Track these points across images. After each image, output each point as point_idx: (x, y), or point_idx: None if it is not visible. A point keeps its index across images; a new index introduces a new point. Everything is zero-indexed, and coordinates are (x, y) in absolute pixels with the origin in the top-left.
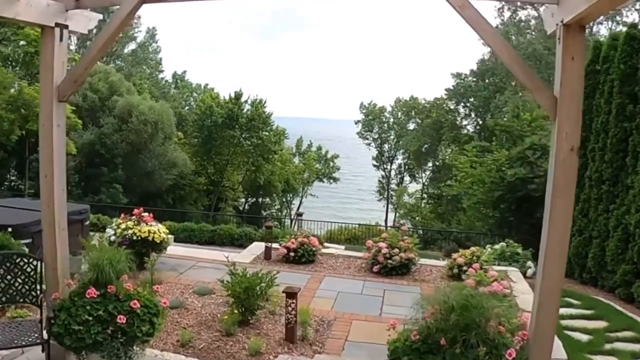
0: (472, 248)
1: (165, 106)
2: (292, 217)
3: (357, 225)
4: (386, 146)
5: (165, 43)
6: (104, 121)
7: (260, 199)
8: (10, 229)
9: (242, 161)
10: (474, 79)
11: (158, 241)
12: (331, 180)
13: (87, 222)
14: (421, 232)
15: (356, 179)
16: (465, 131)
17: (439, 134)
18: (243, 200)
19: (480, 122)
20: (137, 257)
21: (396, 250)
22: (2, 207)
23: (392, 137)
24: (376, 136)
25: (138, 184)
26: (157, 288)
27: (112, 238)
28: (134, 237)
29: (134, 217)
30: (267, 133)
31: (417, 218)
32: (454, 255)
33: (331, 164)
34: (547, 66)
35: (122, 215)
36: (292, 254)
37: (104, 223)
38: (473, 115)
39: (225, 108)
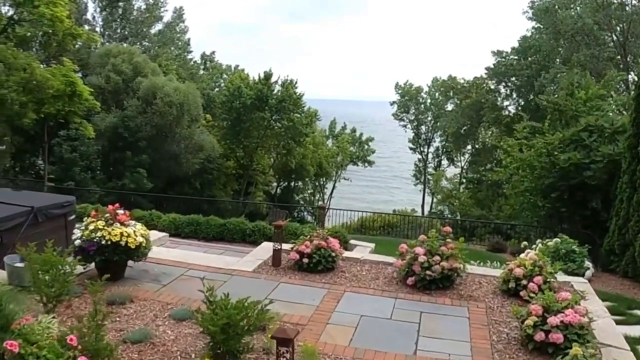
0: (531, 254)
1: (191, 87)
2: (317, 208)
3: (392, 212)
4: (423, 128)
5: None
6: (128, 103)
7: (292, 183)
8: None
9: (273, 144)
10: (516, 57)
11: (133, 246)
12: (366, 164)
13: (72, 217)
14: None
15: (392, 163)
16: (507, 112)
17: (478, 115)
18: (275, 184)
19: (522, 103)
20: (107, 266)
21: (437, 257)
22: None
23: (429, 118)
24: (412, 118)
25: (163, 168)
26: (72, 339)
27: (77, 242)
28: (103, 242)
29: (107, 215)
30: (298, 115)
31: (455, 204)
32: (510, 265)
33: (366, 146)
34: (596, 41)
35: (93, 212)
36: (305, 260)
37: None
38: (515, 96)
39: (255, 89)
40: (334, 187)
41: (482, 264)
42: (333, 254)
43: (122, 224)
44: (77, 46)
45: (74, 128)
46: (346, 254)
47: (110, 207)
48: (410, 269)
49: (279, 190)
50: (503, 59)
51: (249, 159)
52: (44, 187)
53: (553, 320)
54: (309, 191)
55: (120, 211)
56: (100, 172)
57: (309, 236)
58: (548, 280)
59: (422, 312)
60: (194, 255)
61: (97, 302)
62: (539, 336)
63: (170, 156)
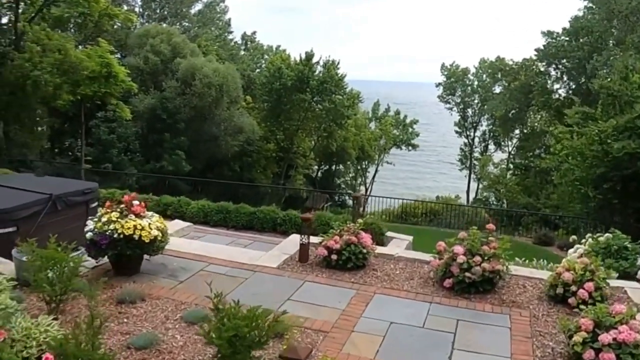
0: (583, 257)
1: (230, 68)
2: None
3: (435, 199)
4: (469, 111)
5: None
6: (166, 85)
7: (333, 167)
8: None
9: (314, 126)
10: (567, 38)
11: (147, 240)
12: (409, 147)
13: (94, 204)
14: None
15: (437, 147)
16: (557, 96)
17: (527, 99)
18: (315, 167)
19: (573, 87)
20: (120, 260)
21: (477, 258)
22: None
23: (476, 101)
24: (459, 100)
25: (202, 150)
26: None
27: (89, 235)
28: (115, 235)
29: (122, 206)
30: (340, 97)
31: (501, 190)
32: (559, 268)
33: (410, 129)
34: None
35: (108, 203)
36: (334, 256)
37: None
38: (565, 79)
39: (296, 70)
40: (376, 171)
41: (527, 261)
42: (364, 251)
43: (137, 215)
44: (115, 27)
45: (112, 110)
46: (379, 249)
47: (126, 197)
48: (447, 270)
49: (319, 174)
50: (553, 40)
51: (289, 142)
52: (81, 170)
53: (605, 337)
54: (350, 175)
55: (136, 202)
56: (138, 154)
57: (338, 230)
58: (600, 286)
59: (458, 319)
60: (216, 249)
61: (94, 307)
62: (589, 354)
63: (209, 138)
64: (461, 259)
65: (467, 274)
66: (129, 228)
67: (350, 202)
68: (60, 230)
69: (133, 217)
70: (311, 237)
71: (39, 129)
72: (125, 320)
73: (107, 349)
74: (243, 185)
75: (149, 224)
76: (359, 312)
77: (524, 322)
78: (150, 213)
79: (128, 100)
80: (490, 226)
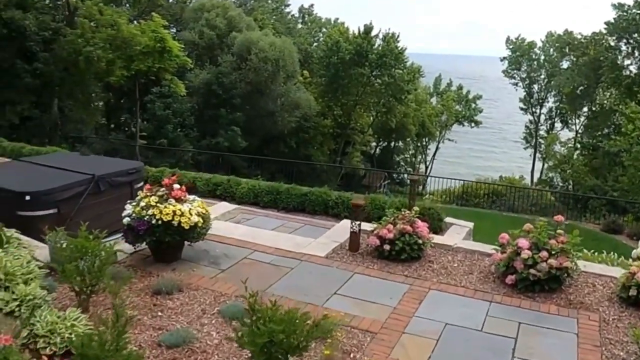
0: None
1: (287, 42)
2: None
3: (497, 179)
4: (535, 87)
5: None
6: (222, 59)
7: (392, 143)
8: (28, 197)
9: (372, 102)
10: (639, 11)
11: (186, 227)
12: (472, 124)
13: (139, 185)
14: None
15: (500, 124)
16: (628, 72)
17: (596, 75)
18: (373, 144)
19: None
20: (159, 247)
21: (544, 253)
22: (36, 164)
23: (542, 76)
24: (524, 75)
25: (258, 126)
26: None
27: (127, 220)
28: (154, 221)
29: (162, 189)
30: (400, 71)
31: (567, 171)
32: (633, 267)
33: (473, 105)
34: None
35: (148, 186)
36: (387, 246)
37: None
38: (637, 54)
39: (354, 43)
40: (437, 149)
41: (595, 252)
42: (420, 241)
43: (177, 200)
44: (170, 1)
45: (166, 85)
46: (437, 239)
47: (166, 180)
48: (510, 265)
49: (377, 151)
50: (625, 13)
51: (347, 118)
52: (135, 146)
53: None
54: (410, 152)
55: (177, 185)
56: (193, 130)
57: (392, 218)
58: None
59: (520, 323)
60: (262, 234)
61: (118, 306)
62: None
63: (265, 114)
64: (526, 253)
65: (531, 270)
66: (167, 214)
67: (409, 180)
68: (103, 212)
69: (173, 201)
70: (364, 223)
71: (95, 104)
72: (159, 313)
73: (137, 345)
74: (299, 162)
75: (189, 209)
76: (411, 310)
77: (592, 328)
78: (192, 197)
79: (183, 75)
80: (559, 217)
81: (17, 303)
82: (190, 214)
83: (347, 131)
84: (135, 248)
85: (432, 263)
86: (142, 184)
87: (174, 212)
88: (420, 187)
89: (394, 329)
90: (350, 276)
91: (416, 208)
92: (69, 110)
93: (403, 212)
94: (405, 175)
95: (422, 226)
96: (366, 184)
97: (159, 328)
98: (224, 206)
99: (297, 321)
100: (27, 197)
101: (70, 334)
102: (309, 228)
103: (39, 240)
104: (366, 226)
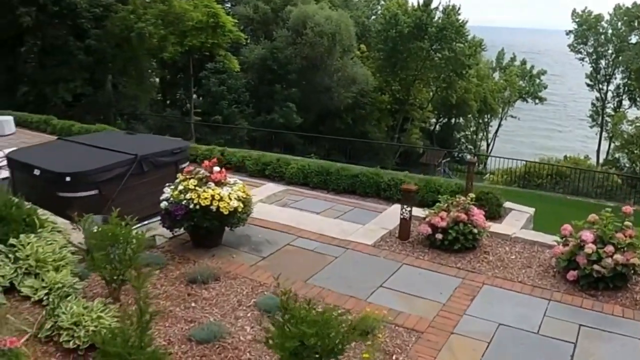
0: None
1: (344, 16)
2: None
3: (562, 159)
4: (602, 62)
5: None
6: (277, 34)
7: (452, 120)
8: (68, 179)
9: (432, 77)
10: None
11: (225, 212)
12: (536, 101)
13: (185, 165)
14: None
15: (566, 101)
16: None
17: None
18: (433, 120)
19: None
20: (198, 232)
21: (610, 248)
22: (80, 144)
23: (609, 51)
24: (591, 50)
25: (314, 102)
26: None
27: (164, 204)
28: (191, 205)
29: (201, 171)
30: (461, 44)
31: (635, 152)
32: None
33: (537, 81)
34: None
35: (187, 168)
36: (439, 235)
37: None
38: None
39: (413, 16)
40: (499, 126)
41: None
42: (475, 231)
43: (217, 183)
44: None
45: (221, 61)
46: (494, 227)
47: (206, 162)
48: (572, 260)
49: (437, 128)
50: None
51: (405, 93)
52: (190, 123)
53: None
54: (471, 129)
55: (217, 168)
56: (248, 106)
57: (446, 205)
58: None
59: (581, 325)
60: (308, 220)
61: (142, 299)
62: None
63: (321, 90)
64: (590, 248)
65: (595, 266)
66: (205, 198)
67: (468, 157)
68: (146, 193)
69: (213, 185)
70: (417, 208)
71: (149, 81)
72: (193, 304)
73: (167, 339)
74: (354, 140)
75: (229, 193)
76: (462, 307)
77: None
78: (233, 180)
79: (238, 51)
80: (628, 209)
81: (45, 291)
82: (230, 199)
83: (406, 107)
84: (174, 233)
85: (487, 254)
86: (187, 164)
87: (213, 196)
88: (481, 166)
89: (442, 329)
90: (398, 267)
91: (472, 195)
92: (123, 87)
93: (457, 199)
94: (466, 153)
95: (478, 214)
96: (424, 162)
97: (191, 320)
98: (270, 188)
99: (332, 324)
100: (67, 178)
101: (96, 326)
102: (358, 211)
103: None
104: (418, 212)
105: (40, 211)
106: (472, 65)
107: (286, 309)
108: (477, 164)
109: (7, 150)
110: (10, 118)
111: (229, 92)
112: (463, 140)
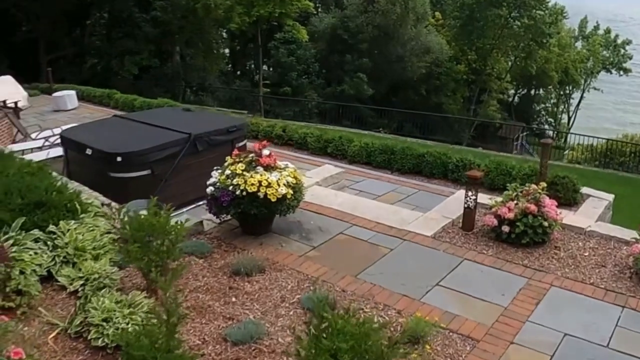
0: None
1: None
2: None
3: None
4: None
5: None
6: (348, 2)
7: (532, 91)
8: (119, 159)
9: (511, 46)
10: None
11: (273, 199)
12: (620, 72)
13: (242, 143)
14: None
15: None
16: None
17: None
18: (511, 92)
19: None
20: (246, 218)
21: None
22: (135, 122)
23: None
24: None
25: (386, 72)
26: None
27: (210, 190)
28: (238, 192)
29: (251, 155)
30: (541, 12)
31: None
32: None
33: (621, 51)
34: None
35: (236, 151)
36: (505, 228)
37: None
38: None
39: None
40: (581, 98)
41: None
42: (545, 223)
43: (267, 168)
44: None
45: (289, 31)
46: (568, 218)
47: (256, 144)
48: None
49: (516, 99)
50: None
51: (482, 63)
52: (259, 95)
53: None
54: (551, 101)
55: (267, 151)
56: (318, 77)
57: (514, 193)
58: None
59: None
60: (364, 206)
61: (170, 300)
62: None
63: (393, 59)
64: None
65: None
66: (252, 184)
67: (550, 132)
68: (200, 173)
69: (261, 169)
70: (484, 194)
71: (217, 52)
72: (233, 299)
73: (201, 338)
74: (429, 109)
75: (278, 179)
76: (525, 312)
77: None
78: (284, 164)
79: (308, 20)
80: None
81: (81, 282)
82: (278, 185)
83: (483, 77)
84: (221, 220)
85: (558, 250)
86: (245, 142)
87: (260, 182)
88: (562, 140)
89: (501, 337)
90: (459, 263)
91: (543, 184)
92: (191, 59)
93: (527, 187)
94: (547, 126)
95: (550, 205)
96: (502, 136)
97: (230, 317)
98: (328, 169)
99: (371, 337)
100: (119, 158)
101: (127, 323)
102: (422, 195)
103: None
104: (484, 199)
105: (85, 195)
106: (553, 33)
107: (322, 317)
108: (556, 138)
109: (64, 127)
110: (73, 92)
111: (299, 63)
112: (543, 112)
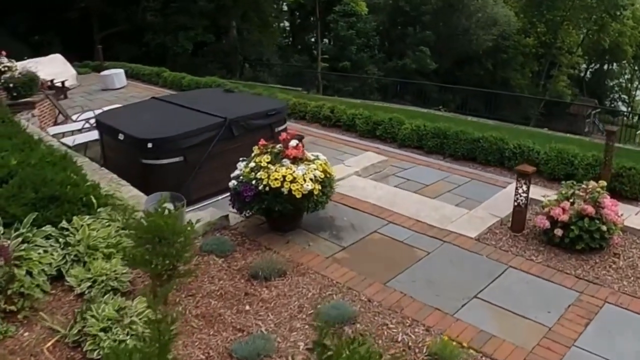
0: None
1: None
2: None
3: None
4: None
5: None
6: None
7: (604, 66)
8: (150, 145)
9: (582, 18)
10: None
11: (298, 196)
12: None
13: (282, 127)
14: None
15: None
16: None
17: None
18: (583, 66)
19: None
20: (271, 214)
21: None
22: (172, 104)
23: None
24: None
25: (450, 46)
26: None
27: (233, 184)
28: (260, 186)
29: (278, 145)
30: None
31: None
32: None
33: None
34: None
35: (262, 141)
36: (558, 231)
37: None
38: None
39: None
40: None
41: None
42: (604, 228)
43: (294, 160)
44: None
45: (348, 3)
46: (630, 220)
47: (283, 135)
48: None
49: (588, 74)
50: None
51: (552, 36)
52: (317, 71)
53: None
54: (625, 77)
55: (294, 142)
56: (379, 51)
57: (569, 192)
58: None
59: None
60: (404, 201)
61: (160, 320)
62: None
63: (458, 32)
64: None
65: None
66: (275, 179)
67: (623, 107)
68: (235, 160)
69: (288, 162)
70: (539, 189)
71: (274, 26)
72: (247, 307)
73: (205, 352)
74: (495, 85)
75: (303, 174)
76: (572, 335)
77: None
78: (315, 154)
79: None
80: None
81: (89, 283)
82: (304, 180)
83: (553, 51)
84: (245, 216)
85: (617, 258)
86: (284, 126)
87: (284, 177)
88: (637, 119)
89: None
90: (502, 271)
91: (603, 182)
92: (248, 33)
93: (585, 185)
94: (620, 102)
95: (610, 206)
96: (572, 113)
97: (240, 329)
98: (368, 157)
99: None
100: (150, 145)
101: (127, 334)
102: (474, 185)
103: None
104: (540, 193)
105: (105, 185)
106: (627, 5)
107: (325, 347)
108: (630, 117)
109: (105, 108)
110: (121, 71)
111: (358, 37)
112: (616, 88)
